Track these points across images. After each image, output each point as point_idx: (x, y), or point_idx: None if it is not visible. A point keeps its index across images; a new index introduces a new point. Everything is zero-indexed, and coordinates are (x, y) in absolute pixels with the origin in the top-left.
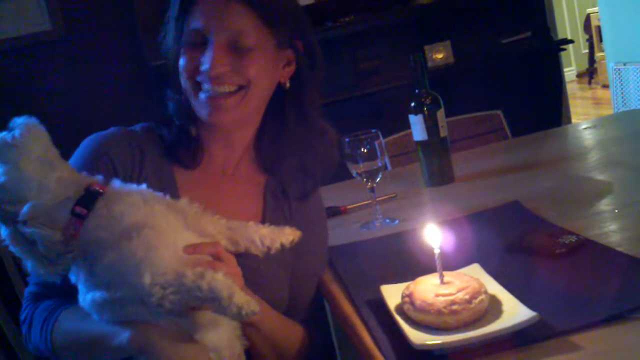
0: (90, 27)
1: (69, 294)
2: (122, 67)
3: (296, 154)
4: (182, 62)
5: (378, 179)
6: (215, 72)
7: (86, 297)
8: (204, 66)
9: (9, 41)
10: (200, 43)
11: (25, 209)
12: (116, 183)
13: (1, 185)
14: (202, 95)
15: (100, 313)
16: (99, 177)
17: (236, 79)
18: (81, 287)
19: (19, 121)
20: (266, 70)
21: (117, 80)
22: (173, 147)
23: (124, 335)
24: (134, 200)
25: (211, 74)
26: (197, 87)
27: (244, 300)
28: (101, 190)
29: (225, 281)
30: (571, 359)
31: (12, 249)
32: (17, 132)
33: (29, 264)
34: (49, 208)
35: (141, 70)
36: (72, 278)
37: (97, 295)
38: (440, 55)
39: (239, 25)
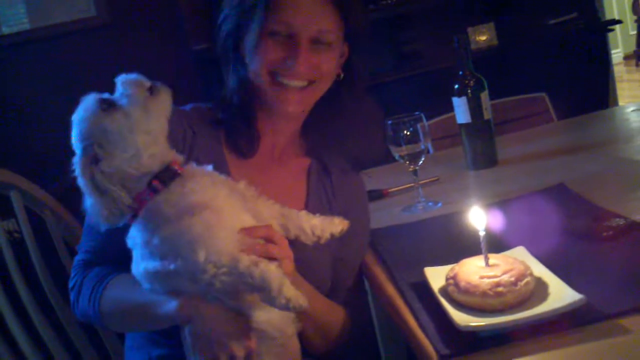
0: (134, 14)
1: (118, 262)
2: (166, 51)
3: (347, 139)
4: (262, 51)
5: (421, 162)
6: (302, 69)
7: (139, 266)
8: (290, 62)
9: (54, 27)
10: (286, 36)
11: (109, 166)
12: (193, 165)
13: (107, 130)
14: (275, 87)
15: (151, 283)
16: (181, 156)
17: (309, 74)
18: (136, 255)
19: (159, 84)
20: (335, 65)
21: (161, 64)
22: (232, 136)
23: (171, 304)
24: (204, 182)
25: (298, 70)
26: (271, 76)
27: (293, 293)
28: (179, 171)
29: (277, 272)
30: (619, 342)
31: (79, 180)
32: (154, 93)
33: (88, 202)
34: (131, 177)
35: (185, 54)
36: (129, 242)
37: (151, 265)
38: (483, 37)
39: (326, 24)
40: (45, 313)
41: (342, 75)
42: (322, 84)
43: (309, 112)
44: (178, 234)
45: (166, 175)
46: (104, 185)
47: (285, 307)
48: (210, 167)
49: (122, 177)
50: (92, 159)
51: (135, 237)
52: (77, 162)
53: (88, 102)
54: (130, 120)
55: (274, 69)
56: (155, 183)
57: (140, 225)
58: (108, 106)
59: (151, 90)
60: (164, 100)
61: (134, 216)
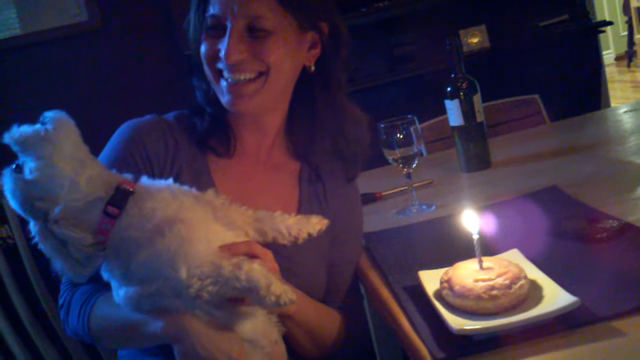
0: (126, 18)
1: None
2: (158, 56)
3: (328, 138)
4: (202, 49)
5: (414, 165)
6: (232, 60)
7: (119, 293)
8: (222, 54)
9: (46, 32)
10: (220, 29)
11: (57, 210)
12: (145, 180)
13: (34, 181)
14: (222, 83)
15: (134, 307)
16: (129, 176)
17: (255, 65)
18: (114, 283)
19: (49, 115)
20: (287, 54)
21: (154, 69)
22: (206, 136)
23: (158, 323)
24: (163, 196)
25: (228, 61)
26: (219, 74)
27: (282, 289)
28: (131, 189)
29: (262, 271)
30: (614, 344)
31: (41, 246)
32: (49, 126)
33: (57, 264)
34: (80, 209)
35: (177, 59)
36: (105, 275)
37: (131, 290)
38: (475, 40)
39: (256, 10)
40: (39, 320)
41: (312, 68)
42: (275, 75)
43: (289, 110)
44: (155, 256)
45: (118, 198)
46: (63, 233)
47: (276, 304)
48: (170, 181)
49: (74, 215)
50: (43, 217)
51: (111, 270)
52: (33, 229)
53: (6, 179)
54: (43, 159)
55: (216, 65)
56: (110, 208)
57: (111, 257)
58: (20, 167)
59: (43, 126)
60: (62, 124)
61: (103, 249)
